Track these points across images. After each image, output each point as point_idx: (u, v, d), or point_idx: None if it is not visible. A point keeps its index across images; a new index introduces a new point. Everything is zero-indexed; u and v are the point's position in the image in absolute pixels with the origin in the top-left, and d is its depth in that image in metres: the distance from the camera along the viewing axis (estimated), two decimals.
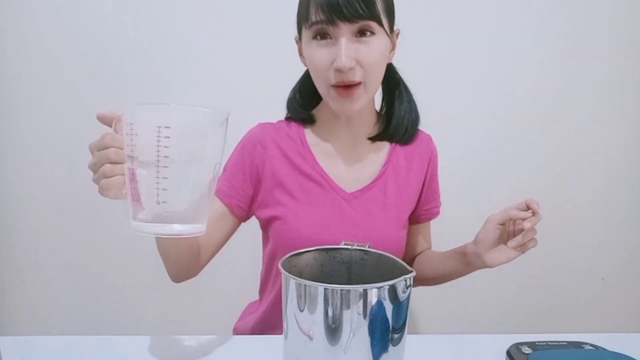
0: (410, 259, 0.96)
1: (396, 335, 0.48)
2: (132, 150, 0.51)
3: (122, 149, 0.53)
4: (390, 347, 0.48)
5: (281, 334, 0.53)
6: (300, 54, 0.81)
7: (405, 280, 0.48)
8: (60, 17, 1.28)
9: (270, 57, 1.24)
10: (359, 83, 0.73)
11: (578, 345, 0.65)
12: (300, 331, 0.49)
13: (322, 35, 0.72)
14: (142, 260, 1.20)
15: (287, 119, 0.87)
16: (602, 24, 1.34)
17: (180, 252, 0.73)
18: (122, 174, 0.54)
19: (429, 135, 0.91)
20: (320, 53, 0.72)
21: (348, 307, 0.46)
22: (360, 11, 0.68)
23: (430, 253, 0.94)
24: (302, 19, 0.74)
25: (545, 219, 0.71)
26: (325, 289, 0.46)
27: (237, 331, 0.94)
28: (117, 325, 1.42)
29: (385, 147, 0.87)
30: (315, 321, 0.47)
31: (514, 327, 1.44)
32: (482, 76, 1.34)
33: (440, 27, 1.31)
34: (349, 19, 0.68)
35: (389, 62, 0.81)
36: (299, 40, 0.80)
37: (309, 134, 0.85)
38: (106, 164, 0.54)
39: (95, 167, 0.55)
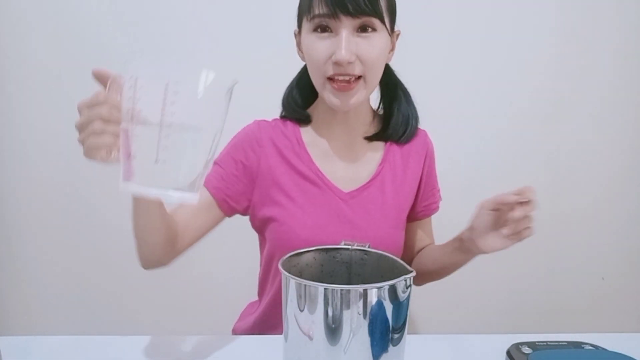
0: (412, 255, 0.94)
1: (396, 335, 0.48)
2: (132, 106, 0.48)
3: (116, 107, 0.50)
4: (390, 347, 0.48)
5: (281, 334, 0.53)
6: (299, 48, 0.80)
7: (405, 280, 0.48)
8: (59, 17, 1.28)
9: (268, 56, 1.24)
10: (359, 77, 0.72)
11: (578, 345, 0.65)
12: (300, 331, 0.49)
13: (322, 28, 0.71)
14: None
15: (283, 117, 0.86)
16: (604, 25, 1.33)
17: (158, 231, 0.68)
18: (113, 134, 0.50)
19: (424, 131, 0.90)
20: (319, 45, 0.72)
21: (348, 307, 0.46)
22: (364, 7, 0.68)
23: (431, 246, 0.93)
24: (304, 11, 0.74)
25: (545, 219, 0.70)
26: (325, 289, 0.46)
27: (236, 331, 0.94)
28: (117, 325, 1.41)
29: (381, 146, 0.86)
30: (315, 321, 0.47)
31: (514, 327, 1.43)
32: (483, 76, 1.34)
33: (441, 28, 1.31)
34: (352, 13, 0.68)
35: (388, 62, 0.81)
36: (298, 33, 0.79)
37: (304, 133, 0.84)
38: (97, 121, 0.49)
39: (83, 126, 0.50)
